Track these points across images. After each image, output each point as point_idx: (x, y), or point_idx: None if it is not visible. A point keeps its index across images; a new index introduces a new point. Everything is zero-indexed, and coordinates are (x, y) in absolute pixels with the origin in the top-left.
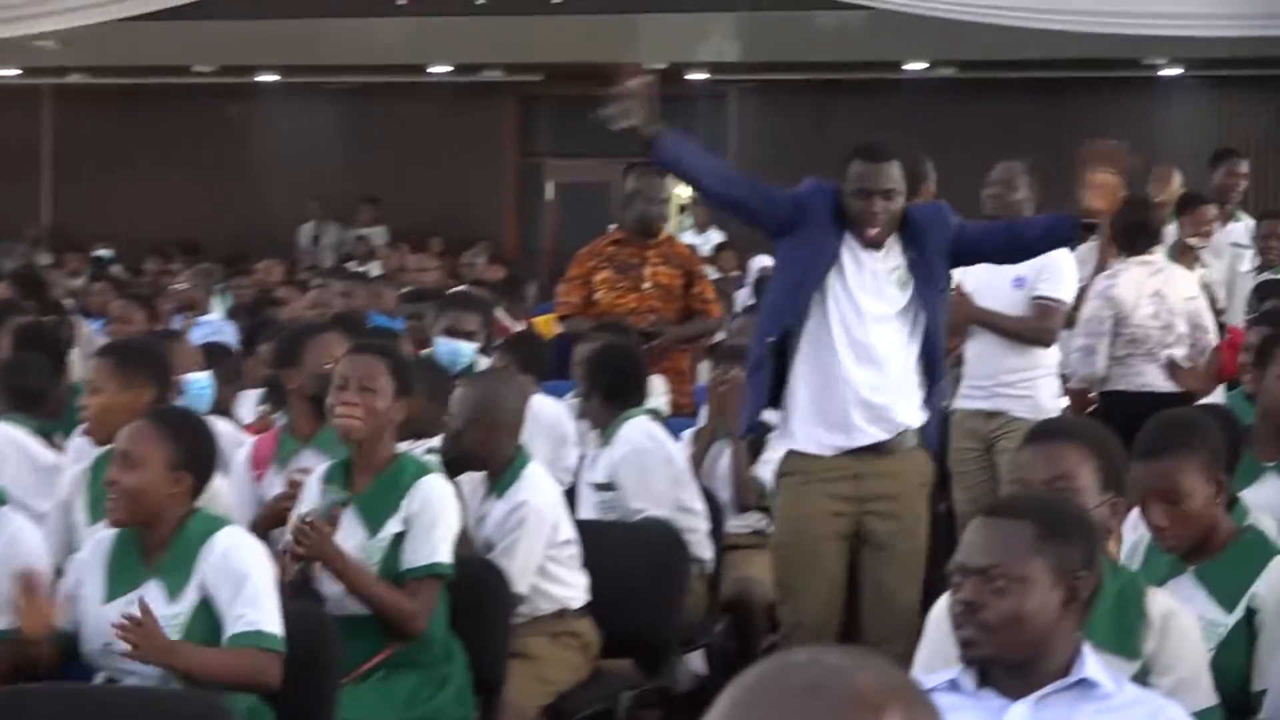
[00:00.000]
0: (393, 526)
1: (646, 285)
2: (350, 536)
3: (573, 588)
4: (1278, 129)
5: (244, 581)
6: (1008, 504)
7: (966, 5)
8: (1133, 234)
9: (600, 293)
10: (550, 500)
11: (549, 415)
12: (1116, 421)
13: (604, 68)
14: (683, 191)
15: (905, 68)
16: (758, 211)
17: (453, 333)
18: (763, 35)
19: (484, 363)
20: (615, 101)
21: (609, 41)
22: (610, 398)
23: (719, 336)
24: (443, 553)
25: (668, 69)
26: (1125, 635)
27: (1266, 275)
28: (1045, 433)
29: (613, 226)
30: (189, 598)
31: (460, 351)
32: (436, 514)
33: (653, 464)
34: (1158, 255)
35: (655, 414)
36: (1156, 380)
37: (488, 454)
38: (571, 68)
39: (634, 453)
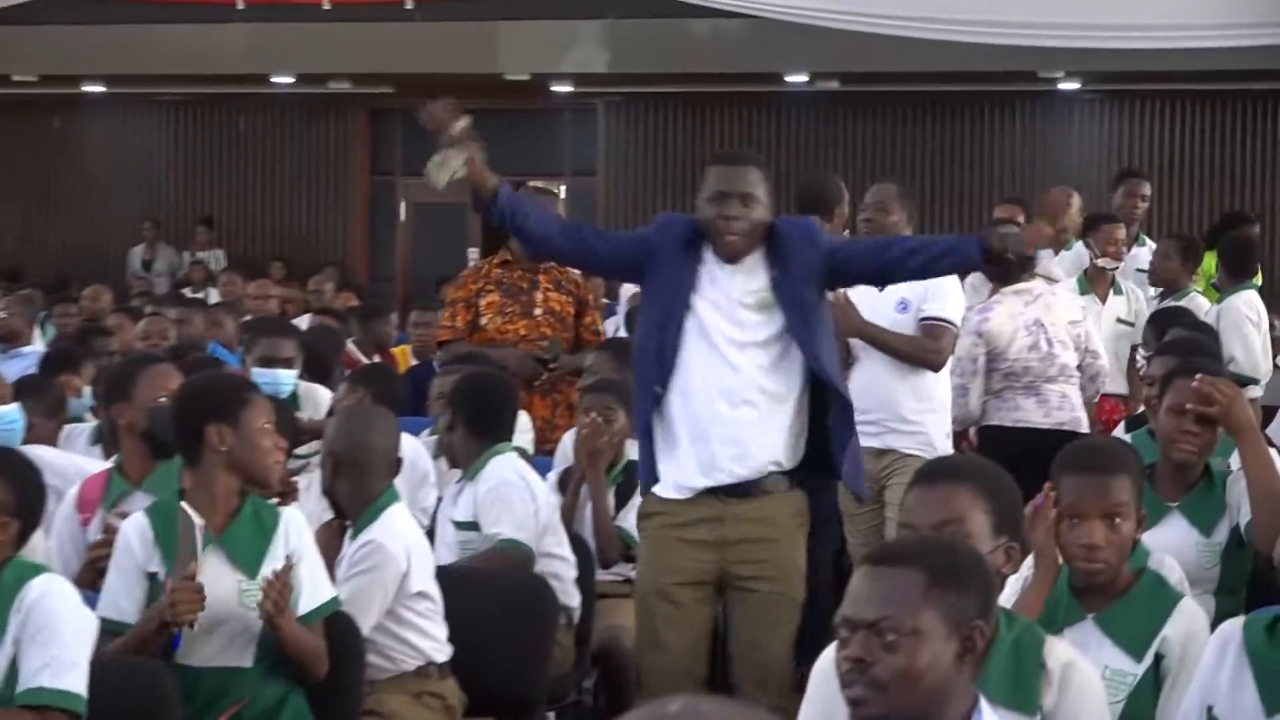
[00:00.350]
0: (271, 567)
1: (538, 311)
2: (220, 581)
3: (433, 639)
4: (1181, 146)
5: (51, 633)
6: (896, 551)
7: (850, 14)
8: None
9: (487, 317)
10: (404, 545)
11: (406, 453)
12: (993, 458)
13: (462, 79)
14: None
15: (786, 80)
16: (609, 261)
17: (269, 361)
18: (633, 44)
19: (323, 392)
20: (439, 150)
21: (467, 51)
22: (476, 431)
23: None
24: (330, 587)
25: (531, 80)
26: (1023, 688)
27: (1169, 302)
28: (934, 473)
29: (472, 251)
30: (4, 653)
31: (280, 380)
32: (315, 548)
33: (518, 500)
34: (1035, 282)
35: (521, 452)
36: (1034, 415)
37: (352, 494)
38: (427, 79)
39: (501, 485)
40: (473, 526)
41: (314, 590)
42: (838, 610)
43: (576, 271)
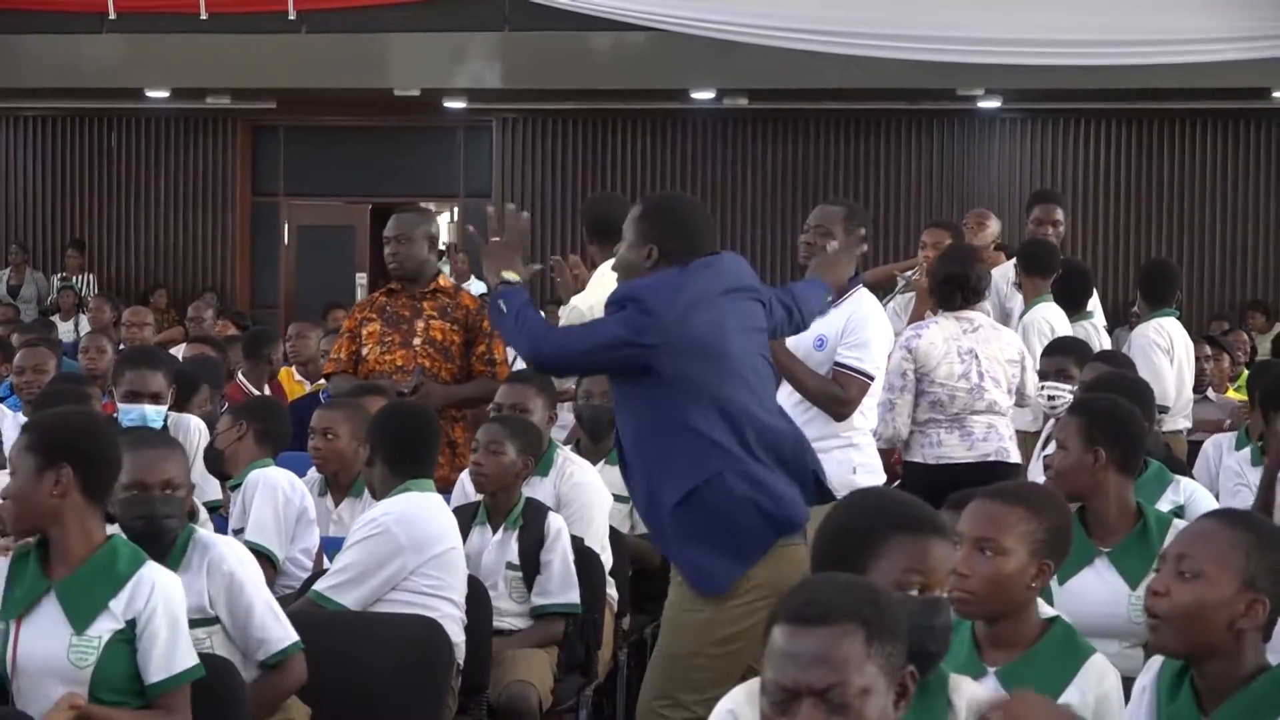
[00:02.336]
0: (104, 624)
1: (417, 341)
2: (52, 634)
3: None
4: (1103, 165)
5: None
6: (825, 606)
7: (759, 28)
8: (949, 288)
9: (368, 348)
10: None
11: (281, 491)
12: (917, 495)
13: (349, 94)
14: (442, 234)
15: (692, 96)
16: None
17: (135, 396)
18: (530, 58)
19: (193, 422)
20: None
21: (354, 64)
22: (394, 465)
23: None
24: (190, 654)
25: (422, 96)
26: None
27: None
28: (807, 618)
29: (360, 276)
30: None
31: (147, 418)
32: (174, 613)
33: (376, 542)
34: (979, 314)
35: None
36: (956, 450)
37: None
38: (311, 94)
39: (368, 524)
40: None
41: (168, 659)
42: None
43: (474, 298)
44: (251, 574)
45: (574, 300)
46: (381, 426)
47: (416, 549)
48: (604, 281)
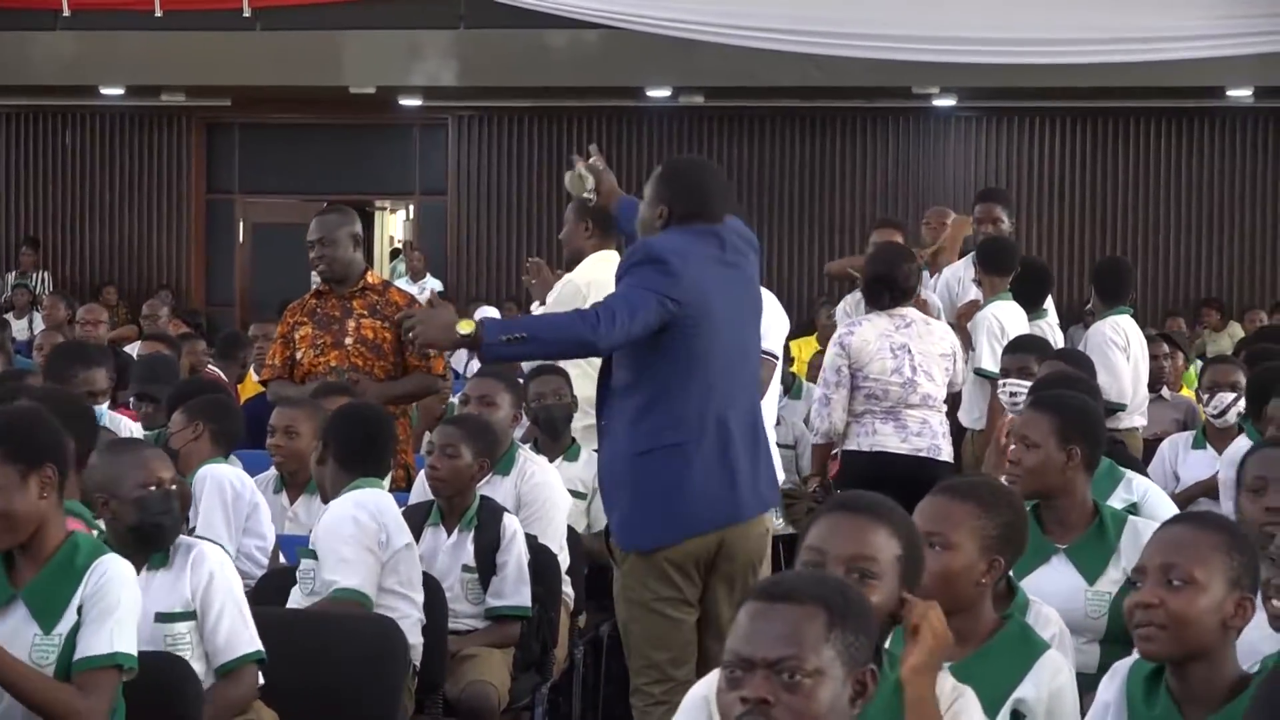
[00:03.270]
0: (69, 620)
1: (349, 340)
2: (17, 635)
3: None
4: (1058, 164)
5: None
6: (792, 587)
7: (715, 25)
8: (877, 288)
9: (301, 351)
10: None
11: (229, 485)
12: (853, 483)
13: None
14: (398, 233)
15: (648, 94)
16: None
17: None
18: (485, 56)
19: (126, 422)
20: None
21: (309, 62)
22: (346, 464)
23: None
24: (121, 640)
25: (377, 93)
26: (902, 713)
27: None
28: (773, 594)
29: (315, 276)
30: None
31: None
32: (115, 598)
33: (349, 540)
34: (911, 310)
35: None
36: (891, 441)
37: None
38: (266, 91)
39: (334, 521)
40: (312, 555)
41: (90, 639)
42: (725, 646)
43: (404, 294)
44: (229, 577)
45: (569, 276)
46: (336, 425)
47: (383, 542)
48: (599, 261)
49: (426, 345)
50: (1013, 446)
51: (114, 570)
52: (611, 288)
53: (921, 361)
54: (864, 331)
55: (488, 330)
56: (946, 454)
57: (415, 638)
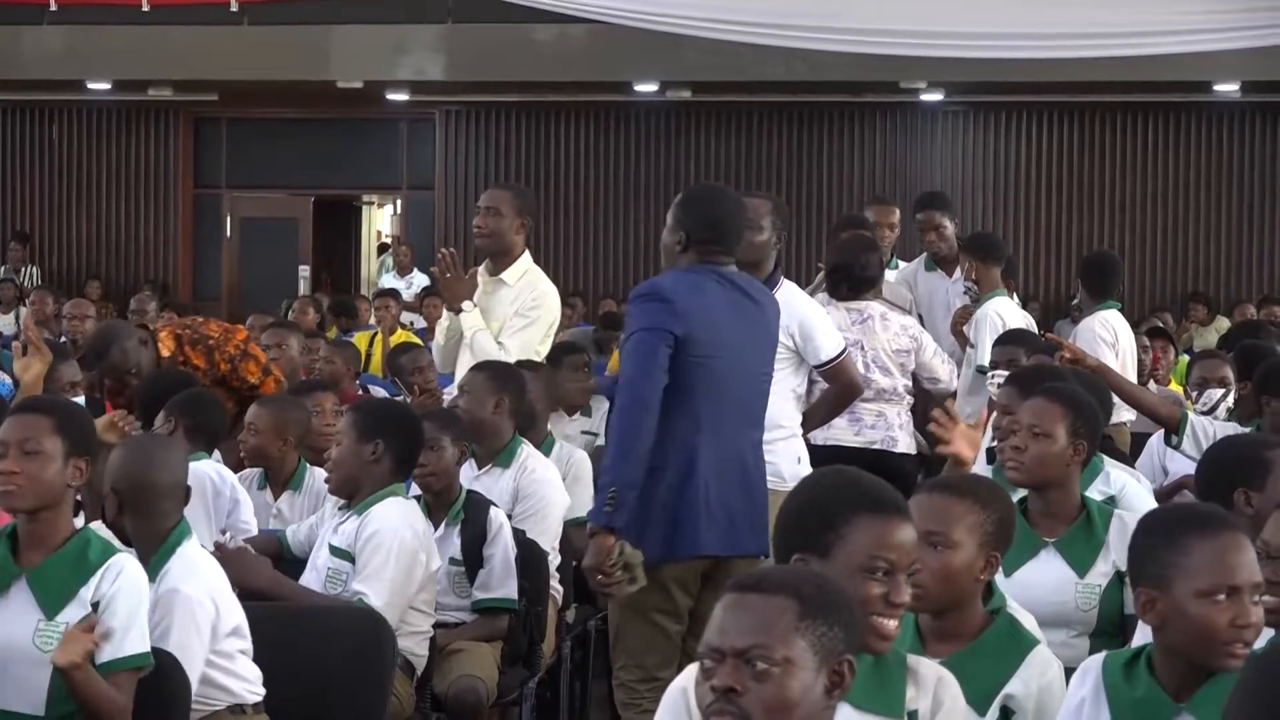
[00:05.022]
0: (73, 611)
1: None
2: (21, 616)
3: (244, 679)
4: (1044, 157)
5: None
6: (764, 578)
7: (703, 20)
8: (835, 278)
9: None
10: (206, 586)
11: (210, 479)
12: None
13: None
14: (385, 227)
15: (636, 89)
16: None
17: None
18: (473, 51)
19: None
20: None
21: (296, 56)
22: (400, 467)
23: None
24: (144, 642)
25: (364, 88)
26: (888, 692)
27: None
28: (745, 586)
29: (303, 269)
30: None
31: None
32: (139, 597)
33: (394, 552)
34: (872, 304)
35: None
36: (844, 434)
37: (136, 528)
38: (253, 86)
39: (384, 532)
40: (346, 556)
41: (120, 641)
42: (702, 638)
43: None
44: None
45: (466, 320)
46: (396, 426)
47: (421, 562)
48: (496, 299)
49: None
50: (1016, 433)
51: (131, 568)
52: None
53: (875, 357)
54: None
55: (596, 517)
56: (904, 445)
57: (422, 650)
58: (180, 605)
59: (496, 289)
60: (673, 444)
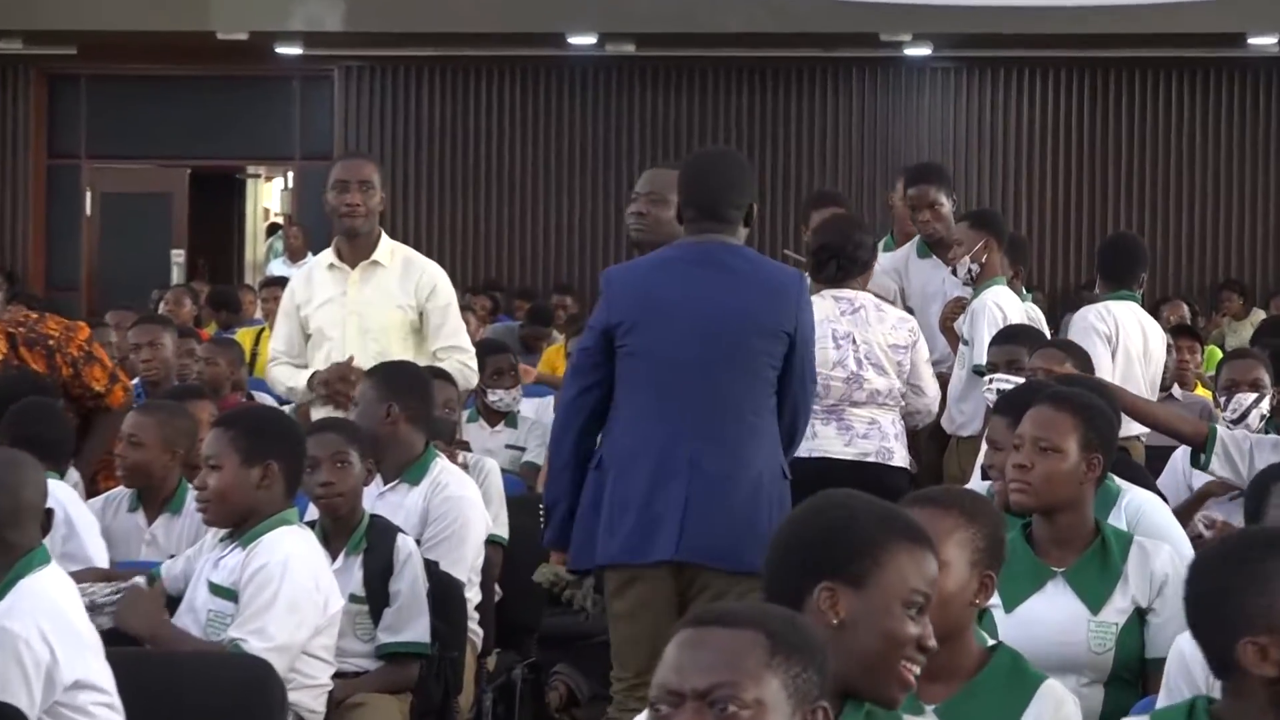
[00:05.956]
0: None
1: None
2: None
3: None
4: (1050, 123)
5: None
6: (728, 612)
7: None
8: (823, 258)
9: None
10: (41, 626)
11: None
12: (794, 493)
13: (165, 39)
14: (274, 204)
15: (570, 42)
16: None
17: None
18: (375, 1)
19: None
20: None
21: (171, 4)
22: (290, 487)
23: None
24: None
25: (250, 40)
26: None
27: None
28: (705, 620)
29: (176, 253)
30: None
31: None
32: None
33: (285, 594)
34: (862, 293)
35: None
36: (833, 444)
37: None
38: (118, 37)
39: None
40: (231, 596)
41: None
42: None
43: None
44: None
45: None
46: (286, 441)
47: (318, 605)
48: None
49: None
50: (1019, 450)
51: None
52: None
53: (868, 353)
54: None
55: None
56: (899, 458)
57: (319, 705)
58: (4, 644)
59: (370, 275)
60: (608, 442)
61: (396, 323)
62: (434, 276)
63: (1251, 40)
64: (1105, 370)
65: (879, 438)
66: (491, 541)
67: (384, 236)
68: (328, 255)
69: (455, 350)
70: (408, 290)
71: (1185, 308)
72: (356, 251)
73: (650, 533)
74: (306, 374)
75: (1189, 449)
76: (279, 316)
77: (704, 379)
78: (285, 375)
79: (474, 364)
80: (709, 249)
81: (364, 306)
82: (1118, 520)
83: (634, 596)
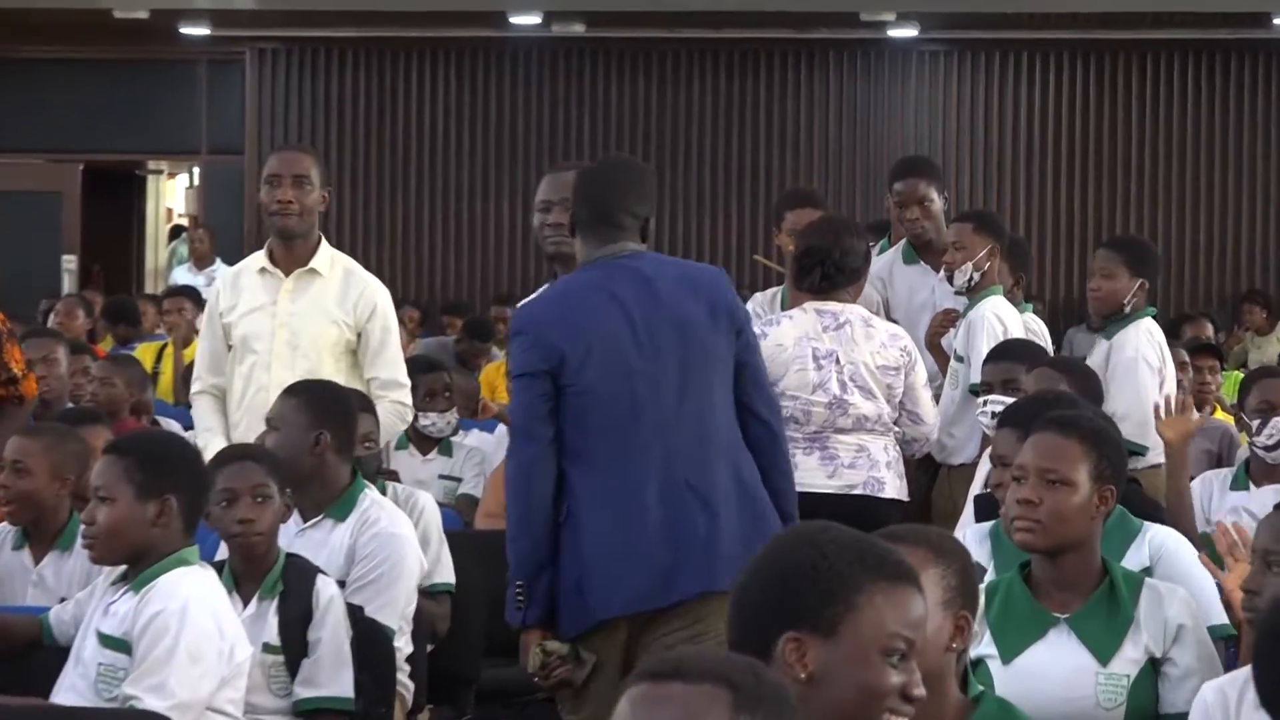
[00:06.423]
0: None
1: None
2: None
3: None
4: (1051, 113)
5: None
6: (683, 664)
7: None
8: (808, 264)
9: None
10: None
11: None
12: None
13: (52, 16)
14: (178, 205)
15: (512, 21)
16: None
17: None
18: None
19: None
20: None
21: None
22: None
23: None
24: None
25: (150, 20)
26: None
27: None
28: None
29: (68, 259)
30: None
31: None
32: None
33: (185, 644)
34: (850, 306)
35: None
36: (815, 476)
37: None
38: (6, 17)
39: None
40: (124, 647)
41: None
42: None
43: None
44: None
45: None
46: (186, 472)
47: (223, 654)
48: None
49: None
50: (1020, 484)
51: None
52: None
53: (853, 374)
54: (780, 333)
55: (512, 616)
56: (892, 489)
57: None
58: None
59: (306, 285)
60: (575, 490)
61: (331, 340)
62: (375, 294)
63: (1277, 20)
64: (1149, 400)
65: (867, 467)
66: (437, 591)
67: (324, 243)
68: (259, 258)
69: (393, 386)
70: (346, 306)
71: (1210, 326)
72: (292, 256)
73: (670, 571)
74: (218, 443)
75: (1206, 478)
76: (203, 327)
77: (669, 398)
78: (202, 419)
79: (409, 400)
80: (625, 261)
81: (295, 319)
82: (1139, 557)
83: (594, 648)
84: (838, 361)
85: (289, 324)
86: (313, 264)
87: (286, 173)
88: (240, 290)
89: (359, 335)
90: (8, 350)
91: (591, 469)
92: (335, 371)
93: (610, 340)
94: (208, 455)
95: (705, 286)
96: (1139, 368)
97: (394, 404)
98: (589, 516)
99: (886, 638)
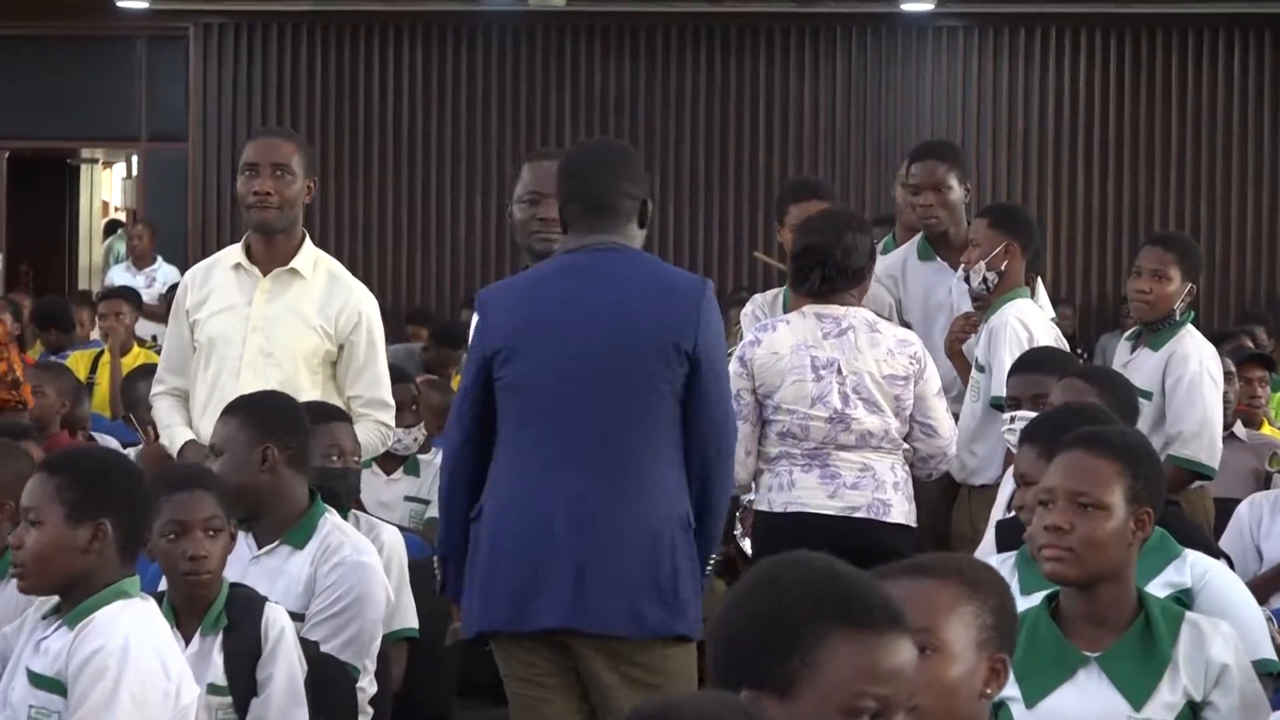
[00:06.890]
0: None
1: None
2: None
3: None
4: (1081, 94)
5: None
6: (669, 710)
7: None
8: (806, 264)
9: None
10: None
11: None
12: (770, 554)
13: None
14: (114, 197)
15: None
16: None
17: None
18: None
19: None
20: None
21: None
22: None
23: None
24: None
25: None
26: None
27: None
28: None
29: None
30: None
31: None
32: None
33: (127, 685)
34: (853, 310)
35: None
36: (815, 497)
37: None
38: None
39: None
40: (57, 688)
41: None
42: None
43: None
44: None
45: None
46: (123, 494)
47: (168, 694)
48: (288, 303)
49: None
50: (1047, 509)
51: None
52: None
53: (857, 385)
54: (776, 340)
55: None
56: (899, 512)
57: None
58: None
59: (285, 286)
60: (489, 490)
61: (308, 350)
62: (362, 303)
63: None
64: (1215, 420)
65: (872, 487)
66: (399, 638)
67: (308, 241)
68: (235, 253)
69: (376, 406)
70: (328, 314)
71: (1262, 331)
72: (271, 254)
73: (529, 598)
74: (184, 435)
75: (1255, 500)
76: (169, 324)
77: (588, 411)
78: (164, 417)
79: (393, 422)
80: (593, 257)
81: (270, 323)
82: (1180, 578)
83: (521, 668)
84: (839, 371)
85: (263, 328)
86: (294, 264)
87: (265, 161)
88: (211, 286)
89: (341, 348)
90: (11, 355)
91: (501, 469)
92: (312, 386)
93: (540, 339)
94: (175, 449)
95: (667, 298)
96: (1203, 383)
97: (377, 424)
98: (490, 522)
99: (852, 696)
